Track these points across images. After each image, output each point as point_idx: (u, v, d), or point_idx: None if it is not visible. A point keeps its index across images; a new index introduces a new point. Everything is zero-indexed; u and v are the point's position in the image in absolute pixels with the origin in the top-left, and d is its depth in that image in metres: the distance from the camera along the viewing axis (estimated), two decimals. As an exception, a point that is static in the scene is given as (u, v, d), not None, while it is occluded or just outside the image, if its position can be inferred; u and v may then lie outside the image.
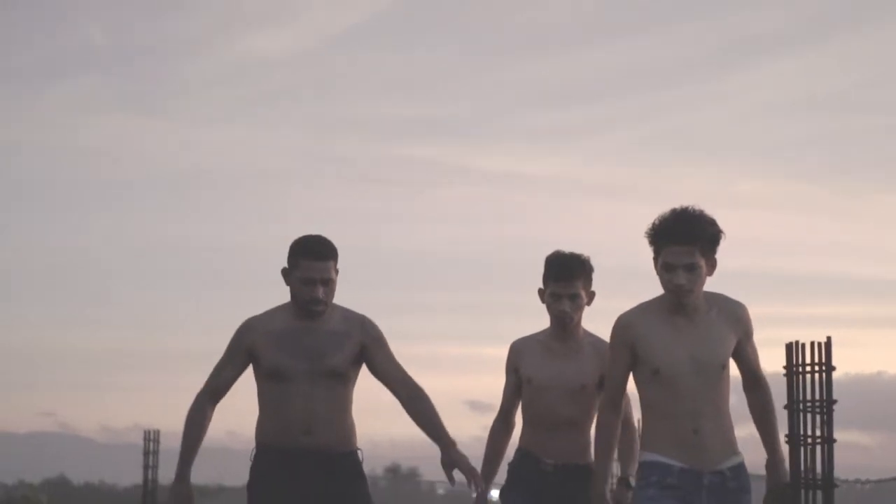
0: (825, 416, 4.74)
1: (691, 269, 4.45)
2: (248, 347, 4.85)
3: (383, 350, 4.81)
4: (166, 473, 19.20)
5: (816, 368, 5.03)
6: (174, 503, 4.80)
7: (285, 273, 4.91)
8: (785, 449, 4.71)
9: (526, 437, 5.15)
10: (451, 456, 4.73)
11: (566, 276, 5.05)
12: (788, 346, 5.09)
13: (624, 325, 4.56)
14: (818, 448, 4.69)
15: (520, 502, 5.12)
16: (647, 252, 4.62)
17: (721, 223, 4.57)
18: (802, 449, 4.84)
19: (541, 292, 5.19)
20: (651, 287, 4.60)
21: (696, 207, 4.56)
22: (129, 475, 30.86)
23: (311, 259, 4.75)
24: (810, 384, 5.05)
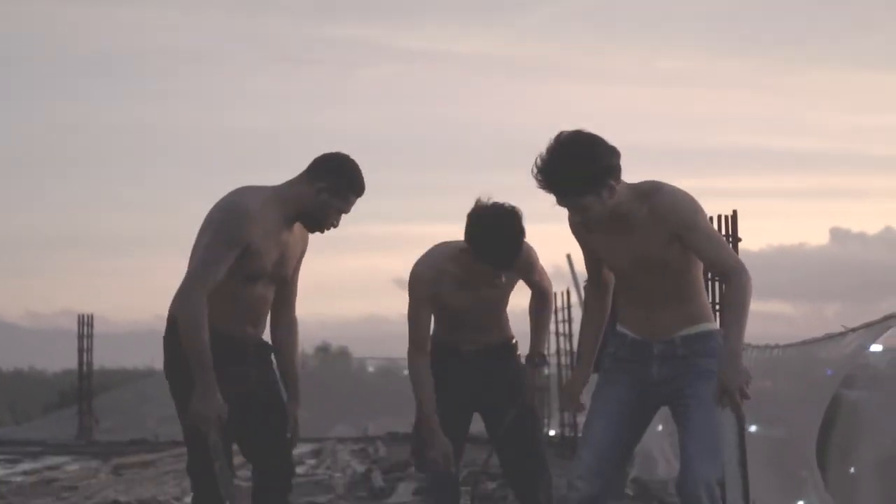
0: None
1: (584, 210, 4.37)
2: (247, 242, 4.70)
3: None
4: (99, 358, 19.44)
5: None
6: (208, 412, 4.67)
7: (317, 187, 4.77)
8: None
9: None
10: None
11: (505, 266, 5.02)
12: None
13: (575, 231, 4.69)
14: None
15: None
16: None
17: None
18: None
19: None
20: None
21: (567, 151, 4.30)
22: (59, 361, 30.92)
23: (357, 197, 4.91)
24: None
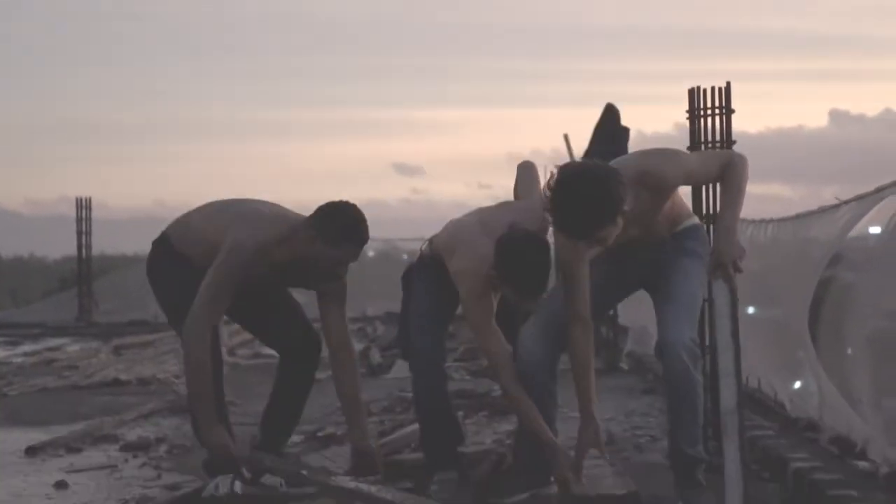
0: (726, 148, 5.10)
1: (604, 240, 4.42)
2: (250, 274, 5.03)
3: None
4: (98, 242, 19.49)
5: (717, 112, 5.36)
6: (218, 453, 5.03)
7: (314, 238, 4.94)
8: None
9: None
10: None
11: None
12: (690, 92, 5.40)
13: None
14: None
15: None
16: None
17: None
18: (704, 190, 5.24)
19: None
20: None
21: (583, 195, 4.30)
22: (60, 248, 30.99)
23: (359, 248, 4.95)
24: (711, 127, 5.39)
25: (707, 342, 5.39)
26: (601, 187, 4.29)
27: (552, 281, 4.88)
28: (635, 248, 4.75)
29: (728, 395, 4.41)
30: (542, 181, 5.12)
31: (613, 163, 4.57)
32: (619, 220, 4.36)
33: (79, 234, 18.49)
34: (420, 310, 5.23)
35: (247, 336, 13.20)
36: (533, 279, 4.71)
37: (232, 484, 4.96)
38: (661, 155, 4.65)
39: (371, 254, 23.45)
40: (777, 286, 6.91)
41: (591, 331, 4.79)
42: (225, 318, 5.30)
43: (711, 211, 5.50)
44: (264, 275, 5.05)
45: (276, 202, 5.32)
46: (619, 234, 4.49)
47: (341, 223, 4.93)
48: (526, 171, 5.39)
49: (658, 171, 4.56)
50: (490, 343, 4.88)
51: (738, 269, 4.42)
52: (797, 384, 6.66)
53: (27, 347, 14.28)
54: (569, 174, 4.37)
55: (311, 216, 5.00)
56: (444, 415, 5.26)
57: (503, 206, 5.28)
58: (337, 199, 4.98)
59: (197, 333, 4.93)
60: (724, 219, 4.53)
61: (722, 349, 4.44)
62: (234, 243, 4.96)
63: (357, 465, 5.16)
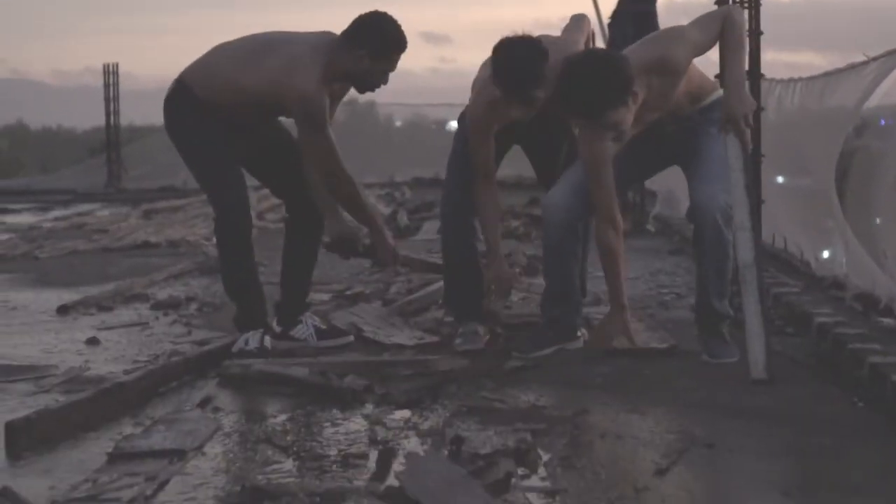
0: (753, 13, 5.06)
1: (617, 125, 4.55)
2: None
3: None
4: (126, 112, 19.51)
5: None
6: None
7: (358, 55, 4.86)
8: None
9: None
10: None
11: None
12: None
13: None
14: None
15: None
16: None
17: None
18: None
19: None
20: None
21: (589, 72, 4.44)
22: (89, 119, 31.02)
23: (400, 54, 4.92)
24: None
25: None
26: (608, 65, 4.44)
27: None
28: (662, 126, 4.78)
29: (745, 251, 4.43)
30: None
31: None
32: (630, 103, 4.46)
33: (106, 100, 18.47)
34: (455, 165, 5.25)
35: (275, 201, 13.28)
36: (516, 71, 4.68)
37: (262, 339, 5.03)
38: (663, 38, 4.75)
39: (398, 123, 23.41)
40: (806, 155, 6.87)
41: (621, 229, 4.88)
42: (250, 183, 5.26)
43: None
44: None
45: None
46: (640, 122, 4.55)
47: (387, 34, 4.88)
48: (576, 20, 5.30)
49: (665, 54, 4.60)
50: (479, 186, 5.04)
51: (748, 124, 4.46)
52: (825, 253, 6.66)
53: (57, 213, 14.39)
54: (576, 57, 4.54)
55: (349, 34, 4.89)
56: (470, 266, 5.29)
57: None
58: (364, 13, 4.92)
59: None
60: (731, 73, 4.57)
61: (736, 204, 4.46)
62: (302, 93, 4.82)
63: (374, 254, 5.30)
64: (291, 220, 5.36)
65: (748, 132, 4.52)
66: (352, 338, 5.29)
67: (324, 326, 5.35)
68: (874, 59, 5.79)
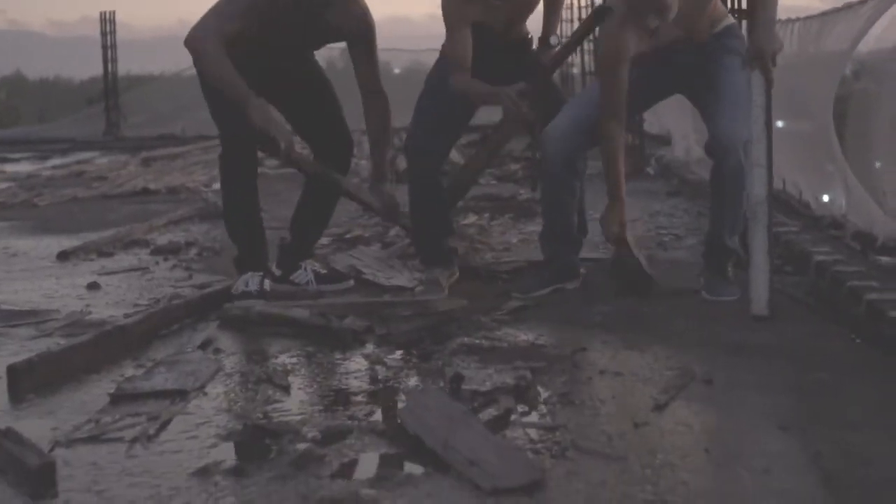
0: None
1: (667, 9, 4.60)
2: None
3: None
4: (124, 62, 19.38)
5: None
6: (258, 116, 4.84)
7: None
8: None
9: None
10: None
11: None
12: None
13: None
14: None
15: None
16: None
17: None
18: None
19: None
20: None
21: None
22: (86, 69, 30.88)
23: None
24: None
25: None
26: None
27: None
28: (674, 52, 4.77)
29: (759, 186, 4.44)
30: None
31: None
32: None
33: (104, 48, 18.41)
34: (422, 103, 5.29)
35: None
36: None
37: (262, 282, 5.04)
38: None
39: (396, 70, 23.31)
40: (804, 99, 6.86)
41: (623, 127, 4.89)
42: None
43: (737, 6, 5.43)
44: (299, 25, 4.99)
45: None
46: (663, 35, 4.54)
47: None
48: None
49: None
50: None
51: (774, 63, 4.46)
52: (825, 197, 6.66)
53: (56, 161, 14.36)
54: None
55: None
56: (434, 206, 5.35)
57: None
58: None
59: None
60: (765, 10, 4.57)
61: (755, 140, 4.45)
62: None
63: (377, 207, 5.33)
64: (317, 158, 5.32)
65: (773, 70, 4.52)
66: (352, 282, 5.31)
67: (324, 271, 5.36)
68: (868, -3, 5.77)
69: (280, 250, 5.37)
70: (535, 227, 6.32)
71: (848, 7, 6.15)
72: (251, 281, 5.04)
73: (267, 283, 5.06)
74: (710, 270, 4.90)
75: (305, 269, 5.30)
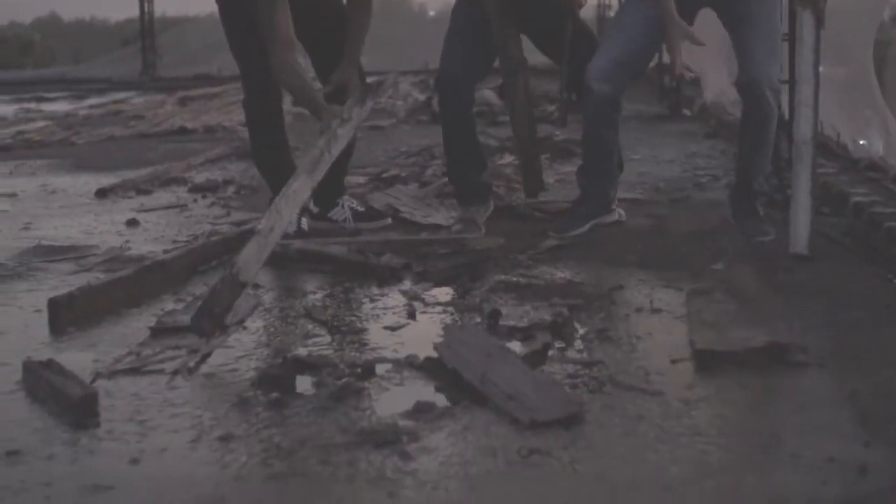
0: None
1: None
2: None
3: None
4: (161, 5, 19.18)
5: None
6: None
7: None
8: None
9: None
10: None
11: None
12: None
13: None
14: None
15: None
16: None
17: None
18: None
19: None
20: None
21: None
22: (122, 9, 30.86)
23: None
24: None
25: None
26: None
27: None
28: None
29: (805, 127, 4.41)
30: None
31: None
32: None
33: (140, -13, 18.38)
34: (452, 32, 5.27)
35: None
36: None
37: (299, 220, 5.05)
38: None
39: (432, 13, 23.22)
40: (843, 44, 6.79)
41: None
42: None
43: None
44: None
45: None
46: None
47: None
48: None
49: None
50: None
51: (825, 1, 4.41)
52: (862, 142, 6.61)
53: (93, 101, 14.39)
54: None
55: None
56: (467, 141, 5.34)
57: None
58: None
59: None
60: None
61: (803, 80, 4.42)
62: None
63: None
64: (331, 97, 5.16)
65: (824, 9, 4.46)
66: (389, 220, 5.32)
67: (361, 209, 5.37)
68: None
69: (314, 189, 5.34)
70: (571, 167, 6.31)
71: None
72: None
73: (304, 222, 5.07)
74: (742, 212, 4.88)
75: (343, 206, 5.29)
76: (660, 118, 10.05)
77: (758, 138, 4.74)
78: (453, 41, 5.25)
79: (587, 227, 4.96)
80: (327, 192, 5.30)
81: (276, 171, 5.12)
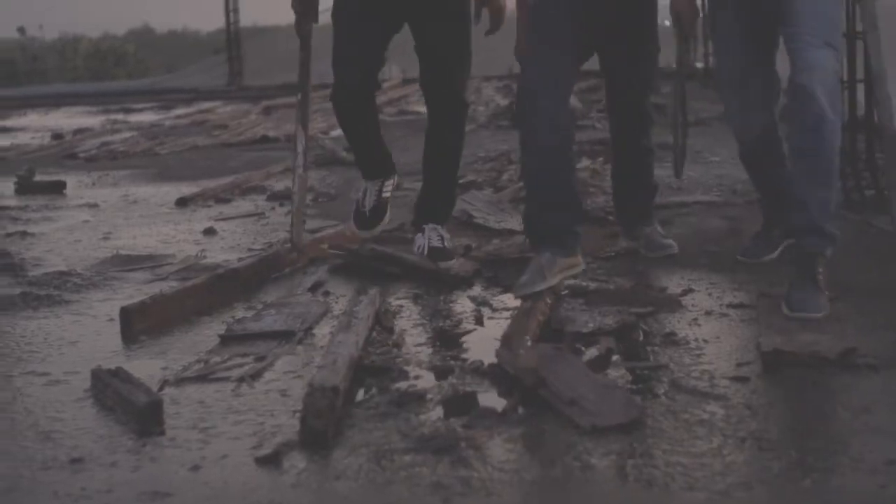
0: None
1: None
2: None
3: None
4: (251, 10, 19.33)
5: None
6: None
7: None
8: None
9: None
10: None
11: None
12: None
13: None
14: None
15: None
16: None
17: None
18: None
19: None
20: None
21: None
22: (213, 20, 31.25)
23: None
24: None
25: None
26: None
27: None
28: None
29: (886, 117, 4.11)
30: None
31: None
32: None
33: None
34: (538, 36, 4.28)
35: (392, 95, 13.33)
36: None
37: (380, 190, 4.97)
38: None
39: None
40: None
41: None
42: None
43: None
44: None
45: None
46: None
47: None
48: None
49: None
50: None
51: None
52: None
53: (179, 111, 14.58)
54: None
55: None
56: (560, 181, 4.19)
57: None
58: None
59: None
60: None
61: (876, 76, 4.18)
62: None
63: None
64: (430, 106, 4.84)
65: None
66: (455, 260, 4.63)
67: (440, 245, 4.67)
68: None
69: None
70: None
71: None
72: (370, 189, 4.96)
73: (389, 186, 4.97)
74: (796, 273, 3.79)
75: (425, 233, 4.70)
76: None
77: (810, 162, 3.78)
78: (541, 50, 4.22)
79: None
80: (423, 209, 4.87)
81: (365, 148, 5.07)
